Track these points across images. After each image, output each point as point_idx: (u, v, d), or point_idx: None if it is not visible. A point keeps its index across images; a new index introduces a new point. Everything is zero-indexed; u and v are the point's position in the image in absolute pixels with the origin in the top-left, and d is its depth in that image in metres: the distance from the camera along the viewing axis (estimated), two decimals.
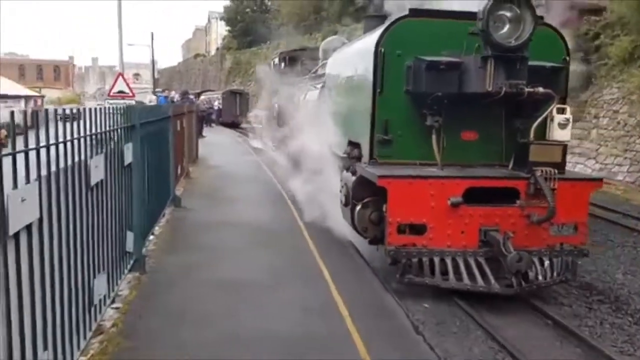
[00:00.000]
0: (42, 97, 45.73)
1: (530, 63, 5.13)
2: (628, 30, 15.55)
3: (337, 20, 38.98)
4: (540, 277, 5.20)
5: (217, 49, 70.15)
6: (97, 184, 3.58)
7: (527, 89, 5.00)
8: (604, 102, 15.29)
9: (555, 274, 5.30)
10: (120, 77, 15.29)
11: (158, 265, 5.43)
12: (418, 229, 5.18)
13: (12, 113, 2.33)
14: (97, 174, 3.55)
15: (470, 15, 5.16)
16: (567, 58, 5.75)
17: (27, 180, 2.46)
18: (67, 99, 62.72)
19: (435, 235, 5.12)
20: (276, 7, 52.55)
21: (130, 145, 4.73)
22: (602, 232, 8.27)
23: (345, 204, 6.03)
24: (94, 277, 3.53)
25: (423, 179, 5.13)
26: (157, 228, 6.82)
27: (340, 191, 6.29)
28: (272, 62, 15.34)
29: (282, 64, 13.34)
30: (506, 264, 4.91)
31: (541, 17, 5.51)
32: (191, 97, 25.11)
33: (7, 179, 2.20)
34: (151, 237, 6.34)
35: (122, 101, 13.68)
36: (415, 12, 5.60)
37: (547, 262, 5.29)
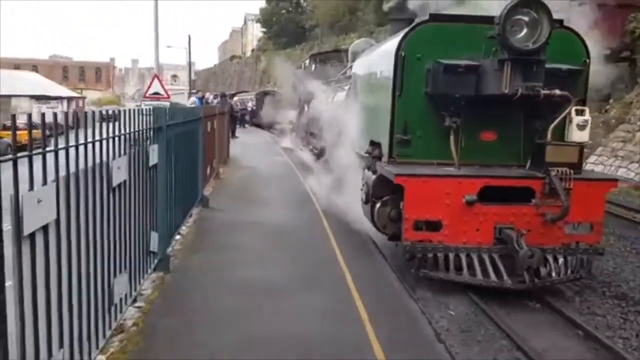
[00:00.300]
0: (84, 98, 47.38)
1: (548, 66, 5.25)
2: None
3: (373, 20, 38.90)
4: (554, 274, 5.31)
5: (253, 50, 70.97)
6: (119, 185, 3.64)
7: (543, 91, 5.14)
8: None
9: (569, 271, 5.40)
10: (156, 79, 15.69)
11: (182, 264, 5.50)
12: (434, 226, 5.35)
13: (29, 116, 2.39)
14: (120, 175, 3.61)
15: (488, 20, 5.32)
16: (587, 60, 5.79)
17: (44, 182, 2.51)
18: (107, 100, 64.82)
19: (451, 232, 5.31)
20: (311, 7, 52.72)
21: (156, 146, 4.80)
22: None
23: (366, 202, 6.31)
24: (115, 276, 3.58)
25: (439, 178, 5.33)
26: (184, 228, 6.91)
27: (362, 189, 6.55)
28: (303, 64, 15.73)
29: (313, 66, 13.62)
30: (518, 259, 5.03)
31: (561, 21, 5.69)
32: (228, 99, 25.65)
33: (23, 180, 2.25)
34: (177, 237, 6.43)
35: (157, 102, 14.08)
36: (434, 17, 5.81)
37: (561, 260, 5.38)
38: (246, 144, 19.27)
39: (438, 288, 5.43)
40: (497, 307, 5.13)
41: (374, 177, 6.08)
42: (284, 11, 56.69)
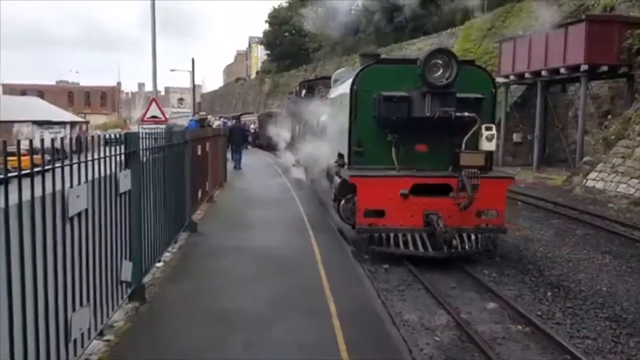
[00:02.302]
0: (87, 122, 47.82)
1: (460, 95, 7.13)
2: None
3: (375, 41, 39.15)
4: (467, 247, 7.05)
5: (257, 72, 71.66)
6: (79, 214, 3.54)
7: (455, 114, 7.00)
8: None
9: (479, 245, 7.15)
10: (154, 103, 15.76)
11: (161, 294, 5.37)
12: (379, 213, 7.16)
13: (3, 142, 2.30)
14: (79, 203, 3.52)
15: (416, 62, 7.20)
16: (493, 90, 7.79)
17: None
18: (112, 124, 65.46)
19: (391, 217, 7.11)
20: (313, 30, 53.26)
21: (128, 172, 4.72)
22: None
23: (334, 200, 8.28)
24: (74, 310, 3.46)
25: (382, 178, 7.18)
26: (168, 254, 6.80)
27: (332, 190, 8.56)
28: (294, 90, 17.26)
29: (303, 92, 15.09)
30: (436, 235, 6.86)
31: (473, 61, 8.33)
32: (242, 122, 26.54)
33: None
34: (160, 263, 6.31)
35: (155, 126, 14.10)
36: (379, 60, 8.03)
37: (473, 237, 7.11)
38: (245, 165, 19.24)
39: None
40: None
41: (339, 180, 7.90)
42: (286, 34, 57.29)
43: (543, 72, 18.92)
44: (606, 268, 7.12)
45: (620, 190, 13.61)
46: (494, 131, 7.38)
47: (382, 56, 9.31)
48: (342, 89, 8.39)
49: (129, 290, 4.87)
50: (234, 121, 26.99)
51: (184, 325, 4.60)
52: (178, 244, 7.38)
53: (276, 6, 58.49)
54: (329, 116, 9.80)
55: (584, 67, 17.05)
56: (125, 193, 4.66)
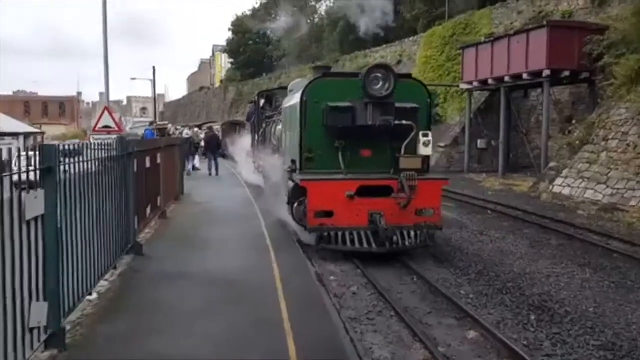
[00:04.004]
0: (43, 133, 45.55)
1: (399, 105, 7.81)
2: (634, 49, 14.75)
3: (339, 49, 38.80)
4: (407, 243, 7.60)
5: (221, 81, 70.39)
6: None
7: (394, 122, 7.71)
8: (612, 123, 14.36)
9: (419, 241, 7.71)
10: (106, 111, 14.70)
11: (88, 336, 4.49)
12: (328, 214, 7.61)
13: None
14: None
15: (360, 76, 7.89)
16: (429, 100, 8.49)
17: None
18: (72, 134, 62.82)
19: (339, 217, 7.59)
20: (277, 38, 52.58)
21: (40, 193, 3.89)
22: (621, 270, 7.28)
23: (288, 203, 8.67)
24: None
25: (329, 181, 7.70)
26: (105, 283, 5.92)
27: (286, 194, 8.91)
28: (254, 99, 17.63)
29: (261, 101, 15.37)
30: (379, 232, 7.37)
31: (410, 75, 9.77)
32: (215, 131, 26.06)
33: None
34: (94, 296, 5.44)
35: (107, 136, 13.05)
36: (325, 74, 8.87)
37: (412, 234, 7.68)
38: (205, 176, 18.31)
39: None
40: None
41: (292, 184, 8.35)
42: (250, 42, 56.49)
43: (506, 78, 18.81)
44: (589, 284, 6.65)
45: (588, 196, 13.42)
46: (429, 137, 8.08)
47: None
48: (294, 99, 8.89)
49: (45, 337, 4.01)
50: (205, 130, 27.03)
51: None
52: (119, 270, 6.48)
53: (240, 14, 57.66)
54: (283, 125, 10.37)
55: (546, 73, 17.00)
56: (35, 219, 3.82)
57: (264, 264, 6.92)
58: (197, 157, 23.16)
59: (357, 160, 8.07)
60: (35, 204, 3.77)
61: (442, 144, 23.37)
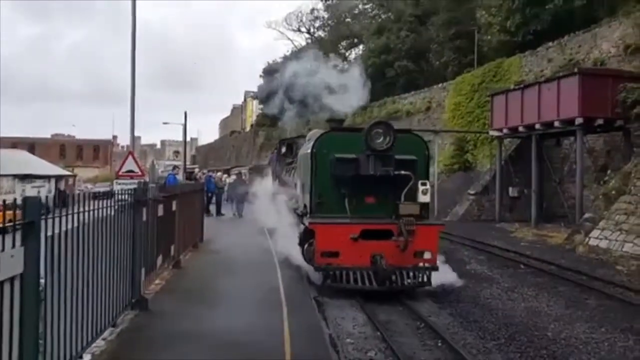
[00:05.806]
0: (75, 176, 46.72)
1: (399, 157, 8.65)
2: None
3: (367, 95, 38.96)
4: (406, 283, 8.39)
5: (252, 125, 71.71)
6: None
7: (393, 172, 8.57)
8: None
9: (417, 281, 8.50)
10: (130, 156, 14.65)
11: None
12: (334, 254, 8.34)
13: None
14: None
15: (363, 131, 8.79)
16: (426, 152, 9.29)
17: None
18: (104, 177, 64.48)
19: (344, 257, 8.30)
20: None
21: (18, 250, 3.61)
22: None
23: (300, 244, 9.64)
24: None
25: (336, 225, 8.49)
26: (102, 342, 5.54)
27: (298, 236, 9.92)
28: (276, 146, 18.62)
29: (283, 148, 16.20)
30: (380, 273, 8.13)
31: (409, 130, 10.68)
32: (243, 177, 26.49)
33: None
34: (86, 358, 5.05)
35: (130, 181, 12.96)
36: (334, 129, 9.95)
37: (411, 274, 8.48)
38: (228, 221, 18.07)
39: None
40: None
41: (303, 227, 9.36)
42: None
43: (537, 126, 18.32)
44: (632, 353, 5.97)
45: (627, 250, 12.57)
46: (427, 186, 8.83)
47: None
48: (306, 150, 9.72)
49: None
50: (233, 176, 28.38)
51: None
52: (119, 328, 6.08)
53: (271, 61, 59.16)
54: (297, 171, 11.31)
55: (578, 121, 16.48)
56: (11, 279, 3.53)
57: (275, 325, 6.33)
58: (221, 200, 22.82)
59: (361, 206, 8.84)
60: (10, 263, 3.48)
61: (472, 192, 22.72)
